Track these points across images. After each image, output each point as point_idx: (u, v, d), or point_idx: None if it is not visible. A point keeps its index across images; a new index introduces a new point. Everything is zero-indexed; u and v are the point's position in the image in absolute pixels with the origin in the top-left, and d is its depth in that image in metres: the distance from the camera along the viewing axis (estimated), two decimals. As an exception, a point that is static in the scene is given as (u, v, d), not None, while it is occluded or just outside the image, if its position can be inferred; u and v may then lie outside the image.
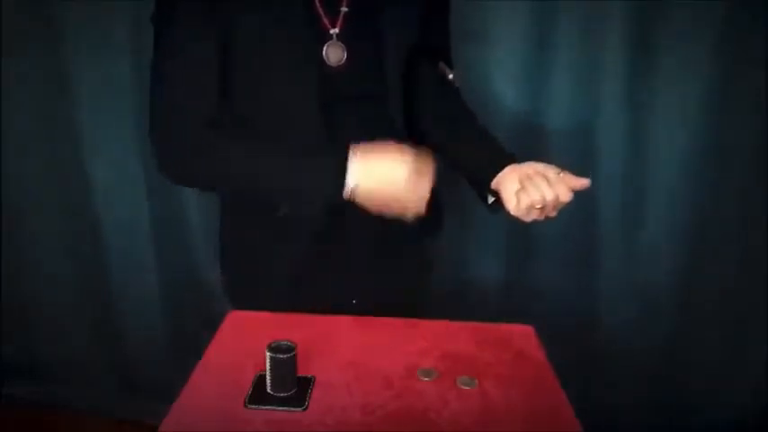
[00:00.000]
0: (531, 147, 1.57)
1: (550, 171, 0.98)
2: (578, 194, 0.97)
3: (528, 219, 0.98)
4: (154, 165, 1.02)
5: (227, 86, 1.01)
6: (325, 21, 1.02)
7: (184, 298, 1.86)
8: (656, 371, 1.76)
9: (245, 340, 0.99)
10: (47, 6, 1.63)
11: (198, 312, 1.82)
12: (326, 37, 1.02)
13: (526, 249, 1.71)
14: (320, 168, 0.96)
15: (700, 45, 1.48)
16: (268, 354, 0.84)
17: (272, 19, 0.98)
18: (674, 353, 1.74)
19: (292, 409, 0.84)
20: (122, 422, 1.95)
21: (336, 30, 1.02)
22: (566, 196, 0.95)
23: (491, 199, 1.06)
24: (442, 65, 1.16)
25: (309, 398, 0.86)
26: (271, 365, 0.85)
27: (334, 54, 1.02)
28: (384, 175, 0.94)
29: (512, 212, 1.00)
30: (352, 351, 0.98)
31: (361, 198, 0.96)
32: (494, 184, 1.04)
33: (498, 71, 1.58)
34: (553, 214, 0.98)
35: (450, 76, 1.17)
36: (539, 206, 0.95)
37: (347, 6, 1.03)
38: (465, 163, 1.12)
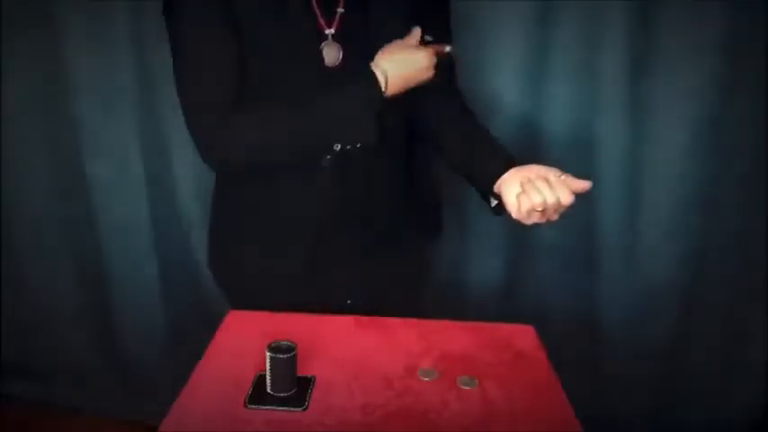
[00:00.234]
0: (530, 147, 1.57)
1: (551, 174, 0.97)
2: (578, 195, 0.96)
3: (529, 222, 0.97)
4: (198, 156, 1.04)
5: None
6: (322, 21, 1.02)
7: (184, 298, 1.86)
8: (656, 371, 1.76)
9: (245, 340, 0.99)
10: (47, 4, 1.63)
11: (198, 312, 1.82)
12: (322, 37, 1.02)
13: (526, 250, 1.71)
14: (353, 82, 1.00)
15: (700, 45, 1.48)
16: (268, 354, 0.84)
17: (268, 19, 0.99)
18: (674, 353, 1.74)
19: (292, 409, 0.84)
20: (122, 422, 1.94)
21: (332, 30, 1.03)
22: (567, 199, 0.94)
23: (494, 202, 1.06)
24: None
25: (309, 398, 0.86)
26: (271, 365, 0.85)
27: (330, 54, 1.03)
28: (404, 57, 1.02)
29: (513, 216, 0.99)
30: (352, 351, 0.98)
31: (397, 85, 1.02)
32: (495, 188, 1.03)
33: (498, 71, 1.58)
34: (555, 217, 0.97)
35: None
36: (539, 209, 0.95)
37: (343, 7, 1.03)
38: (467, 166, 1.12)
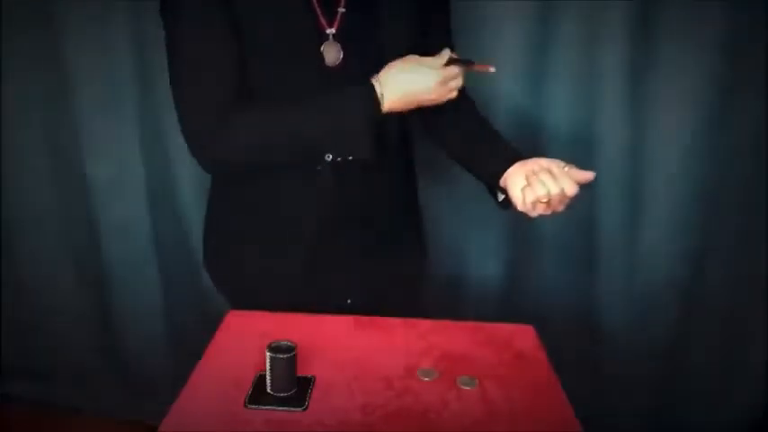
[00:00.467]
0: (530, 146, 1.56)
1: (555, 165, 0.98)
2: (581, 188, 0.97)
3: (534, 214, 0.99)
4: (193, 159, 1.03)
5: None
6: (322, 20, 1.02)
7: (184, 298, 1.86)
8: (656, 371, 1.76)
9: (245, 340, 0.99)
10: (47, 4, 1.63)
11: (198, 312, 1.82)
12: (323, 37, 1.02)
13: (526, 249, 1.71)
14: (351, 95, 0.98)
15: (700, 45, 1.48)
16: (268, 354, 0.84)
17: (268, 18, 0.98)
18: (674, 353, 1.74)
19: (292, 409, 0.84)
20: (122, 422, 1.94)
21: (333, 30, 1.02)
22: (571, 190, 0.96)
23: (501, 196, 1.07)
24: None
25: (309, 398, 0.86)
26: (271, 365, 0.85)
27: (330, 54, 1.02)
28: (409, 76, 0.98)
29: (519, 208, 1.00)
30: (352, 351, 0.98)
31: (396, 104, 0.99)
32: (501, 182, 1.04)
33: (498, 71, 1.57)
34: (560, 208, 0.98)
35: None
36: (544, 201, 0.96)
37: (344, 6, 1.03)
38: (472, 161, 1.13)
